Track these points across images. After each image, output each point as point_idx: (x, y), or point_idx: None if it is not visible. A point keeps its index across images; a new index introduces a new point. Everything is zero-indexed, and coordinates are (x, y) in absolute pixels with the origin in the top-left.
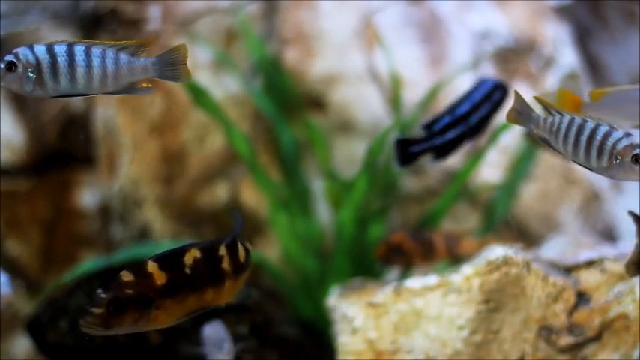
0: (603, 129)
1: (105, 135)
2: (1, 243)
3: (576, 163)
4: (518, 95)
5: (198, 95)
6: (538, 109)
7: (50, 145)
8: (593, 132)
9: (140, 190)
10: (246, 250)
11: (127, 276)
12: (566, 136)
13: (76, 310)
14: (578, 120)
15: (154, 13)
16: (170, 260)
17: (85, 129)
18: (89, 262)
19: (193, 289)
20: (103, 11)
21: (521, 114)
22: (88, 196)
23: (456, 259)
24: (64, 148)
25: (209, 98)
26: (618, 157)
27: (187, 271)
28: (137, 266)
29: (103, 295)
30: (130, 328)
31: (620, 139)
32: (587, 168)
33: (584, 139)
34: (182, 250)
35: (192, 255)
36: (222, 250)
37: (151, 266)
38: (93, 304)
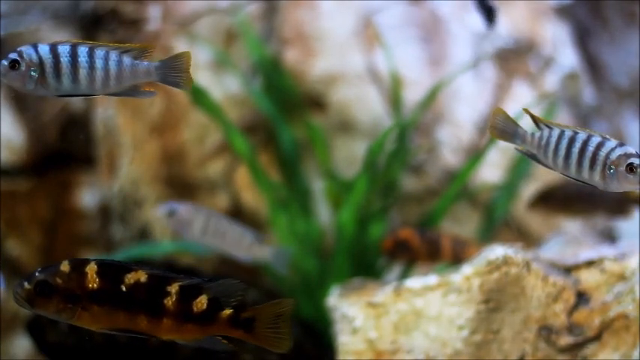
0: (596, 139)
1: (105, 135)
2: (1, 243)
3: (567, 176)
4: (499, 111)
5: (198, 96)
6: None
7: (50, 145)
8: (586, 143)
9: (140, 190)
10: (215, 307)
11: (64, 266)
12: (556, 149)
13: None
14: (568, 132)
15: (153, 13)
16: (110, 270)
17: (85, 129)
18: None
19: (123, 308)
20: (103, 11)
21: (505, 130)
22: (88, 196)
23: (460, 263)
24: (64, 148)
25: (208, 99)
26: (612, 166)
27: (123, 288)
28: (79, 262)
29: (36, 274)
30: (55, 316)
31: (613, 149)
32: (579, 181)
33: (576, 150)
34: (128, 268)
35: (136, 276)
36: (174, 289)
37: (90, 268)
38: (27, 278)
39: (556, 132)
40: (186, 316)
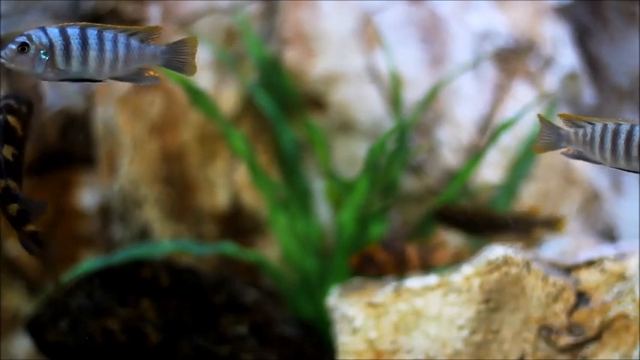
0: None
1: (105, 135)
2: (1, 243)
3: (617, 168)
4: (544, 120)
5: (196, 96)
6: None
7: (50, 145)
8: (630, 133)
9: (140, 190)
10: (22, 217)
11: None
12: (602, 142)
13: (76, 310)
14: (611, 125)
15: (153, 13)
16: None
17: (85, 129)
18: (89, 262)
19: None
20: (103, 11)
21: (550, 138)
22: (88, 196)
23: (430, 270)
24: (64, 148)
25: (207, 99)
26: None
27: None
28: (17, 111)
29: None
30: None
31: None
32: (630, 171)
33: (621, 142)
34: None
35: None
36: (1, 184)
37: (12, 118)
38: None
39: (599, 127)
40: (4, 211)
